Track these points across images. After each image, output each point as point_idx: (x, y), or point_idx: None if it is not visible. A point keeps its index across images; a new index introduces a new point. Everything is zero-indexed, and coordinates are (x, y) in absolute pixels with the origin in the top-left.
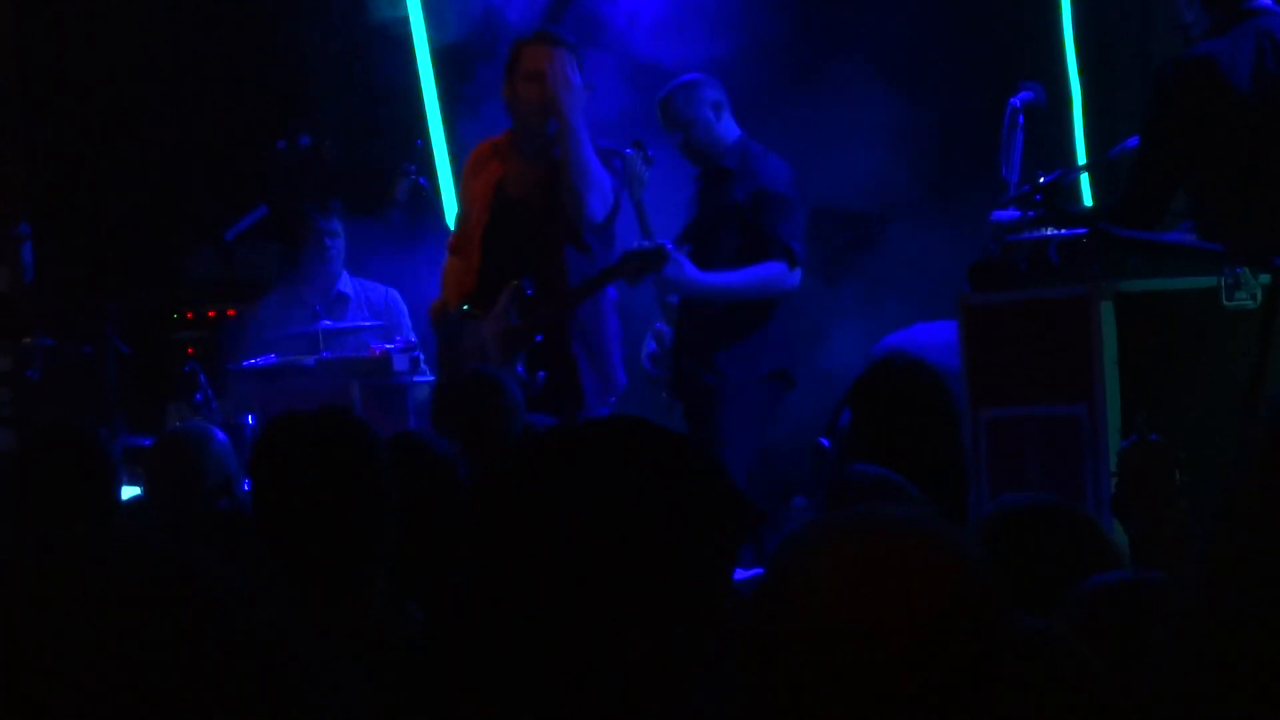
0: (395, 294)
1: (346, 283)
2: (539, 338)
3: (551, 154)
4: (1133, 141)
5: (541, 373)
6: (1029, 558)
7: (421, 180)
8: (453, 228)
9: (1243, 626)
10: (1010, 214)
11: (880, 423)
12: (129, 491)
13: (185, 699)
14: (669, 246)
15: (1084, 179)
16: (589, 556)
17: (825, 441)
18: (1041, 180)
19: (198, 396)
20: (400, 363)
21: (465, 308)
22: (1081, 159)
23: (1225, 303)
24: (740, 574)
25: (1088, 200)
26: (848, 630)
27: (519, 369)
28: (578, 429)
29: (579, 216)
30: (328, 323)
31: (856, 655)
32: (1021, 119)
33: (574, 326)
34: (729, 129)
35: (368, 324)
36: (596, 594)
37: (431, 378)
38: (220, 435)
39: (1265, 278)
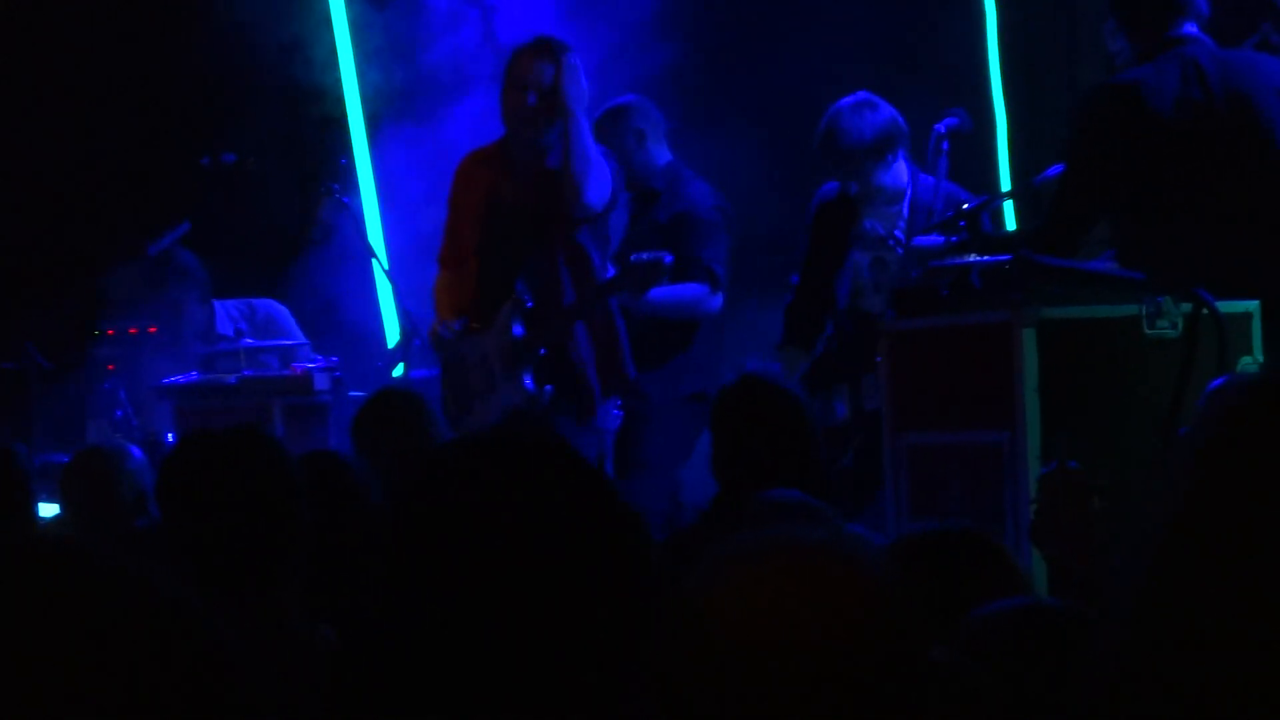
0: (272, 304)
1: (221, 320)
2: (543, 351)
3: (546, 162)
4: (1057, 169)
5: (549, 386)
6: (932, 584)
7: (345, 199)
8: (444, 241)
9: (1180, 663)
10: (933, 239)
11: (737, 442)
12: (49, 509)
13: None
14: (668, 258)
15: (1008, 206)
16: (495, 574)
17: None
18: (965, 206)
19: (118, 413)
20: (321, 381)
21: (462, 323)
22: (1006, 185)
23: (1147, 331)
24: None
25: (1012, 227)
26: (763, 651)
27: (527, 382)
28: (480, 446)
29: (576, 204)
30: (250, 340)
31: (771, 676)
32: (946, 144)
33: (574, 335)
34: (657, 154)
35: (289, 341)
36: (506, 611)
37: (356, 395)
38: (136, 453)
39: (1187, 306)
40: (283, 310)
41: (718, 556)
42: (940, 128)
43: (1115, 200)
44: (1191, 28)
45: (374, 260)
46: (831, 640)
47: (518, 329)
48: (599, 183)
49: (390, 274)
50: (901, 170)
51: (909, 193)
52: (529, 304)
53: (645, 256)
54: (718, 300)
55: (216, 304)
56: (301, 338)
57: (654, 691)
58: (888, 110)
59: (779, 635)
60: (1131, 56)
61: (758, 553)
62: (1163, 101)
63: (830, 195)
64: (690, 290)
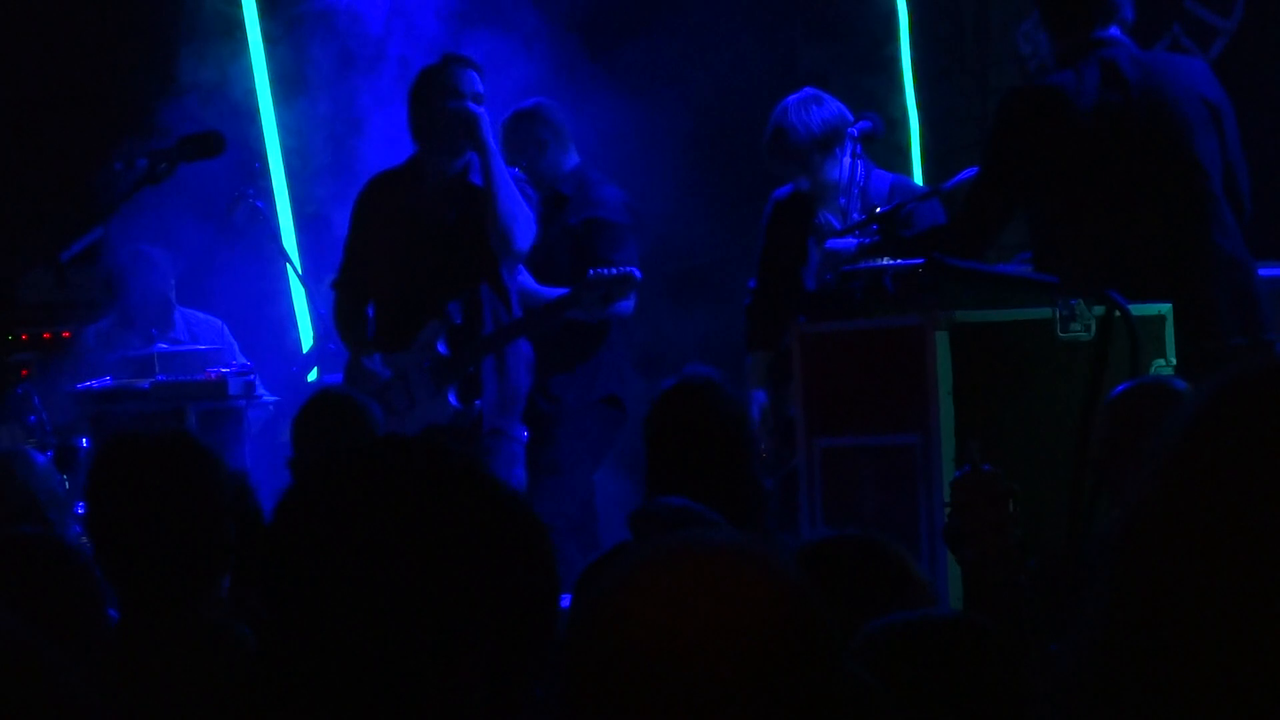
0: (222, 325)
1: (178, 314)
2: (471, 369)
3: (466, 178)
4: (968, 173)
5: (478, 401)
6: (829, 594)
7: (259, 204)
8: (342, 265)
9: (1155, 686)
10: (846, 243)
11: (672, 449)
12: None
13: None
14: (638, 274)
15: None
16: (385, 580)
17: None
18: (878, 210)
19: (31, 419)
20: (235, 386)
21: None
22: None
23: (1060, 334)
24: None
25: None
26: (672, 655)
27: (451, 399)
28: (374, 448)
29: (505, 248)
30: (163, 345)
31: (687, 681)
32: (859, 148)
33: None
34: (564, 158)
35: (203, 347)
36: (393, 619)
37: (270, 399)
38: (38, 458)
39: (1099, 309)
40: (229, 335)
41: (628, 562)
42: (853, 131)
43: (1031, 202)
44: (1114, 31)
45: (288, 265)
46: (748, 643)
47: (443, 347)
48: (525, 224)
49: (303, 278)
50: (848, 164)
51: (856, 187)
52: (457, 320)
53: (608, 272)
54: (630, 303)
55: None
56: (236, 355)
57: (567, 701)
58: (834, 105)
59: (693, 640)
60: (1053, 58)
61: (670, 556)
62: (1082, 106)
63: (784, 195)
64: None
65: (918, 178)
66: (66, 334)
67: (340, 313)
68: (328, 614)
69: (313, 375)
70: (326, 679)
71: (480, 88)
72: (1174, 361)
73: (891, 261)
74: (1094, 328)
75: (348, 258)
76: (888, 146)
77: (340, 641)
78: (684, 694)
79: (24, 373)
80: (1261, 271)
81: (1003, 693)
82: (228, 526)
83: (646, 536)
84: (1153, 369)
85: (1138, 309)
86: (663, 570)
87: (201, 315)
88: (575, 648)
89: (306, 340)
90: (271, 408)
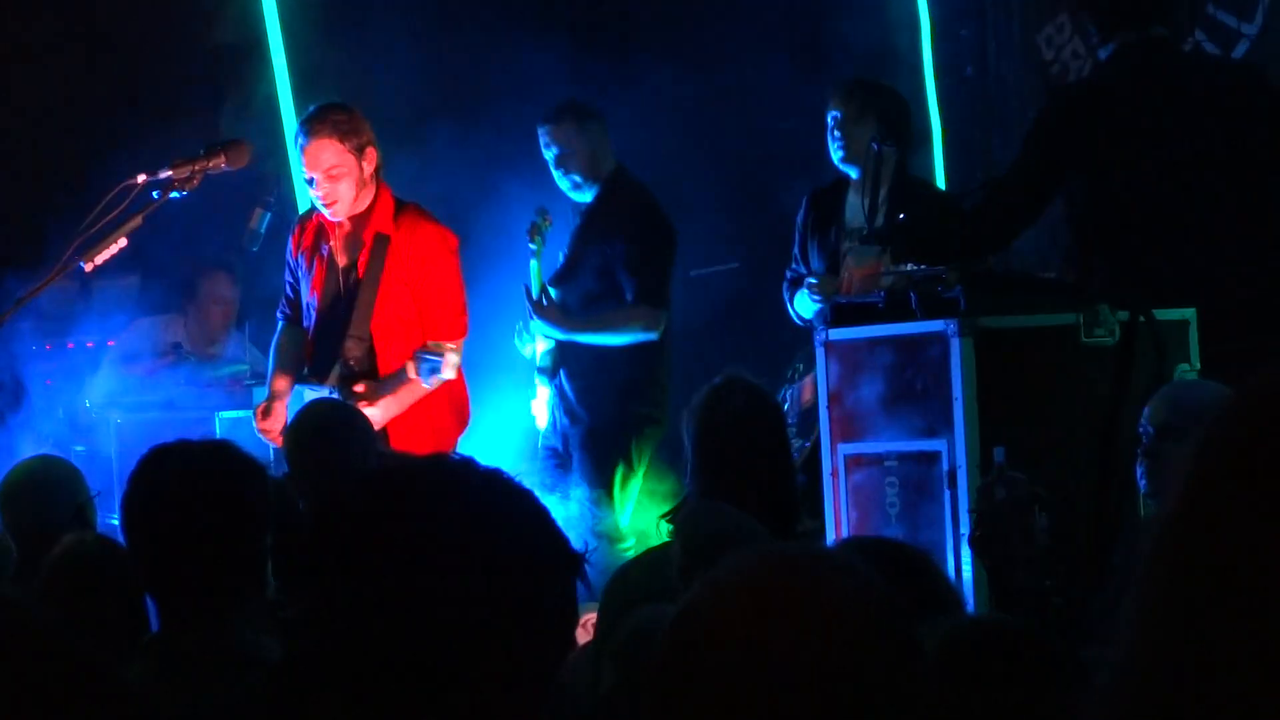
0: (244, 333)
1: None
2: None
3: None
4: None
5: None
6: None
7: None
8: (284, 295)
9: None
10: (870, 250)
11: (716, 450)
12: None
13: None
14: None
15: None
16: (420, 592)
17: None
18: (900, 218)
19: (56, 428)
20: (261, 395)
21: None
22: (941, 187)
23: (1084, 339)
24: None
25: None
26: (763, 665)
27: None
28: (410, 467)
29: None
30: (190, 356)
31: (772, 693)
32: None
33: None
34: (602, 162)
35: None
36: (428, 630)
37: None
38: (71, 465)
39: (1123, 314)
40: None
41: (713, 579)
42: (875, 145)
43: (1070, 200)
44: (1159, 30)
45: None
46: (839, 653)
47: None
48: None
49: None
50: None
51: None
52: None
53: (431, 354)
54: (653, 334)
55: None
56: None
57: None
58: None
59: (785, 651)
60: (1093, 57)
61: (759, 568)
62: (1121, 106)
63: (824, 185)
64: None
65: (940, 182)
66: (90, 343)
67: (282, 347)
68: (361, 619)
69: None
70: (358, 683)
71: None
72: (1198, 366)
73: (916, 267)
74: (1118, 333)
75: (291, 291)
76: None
77: (371, 646)
78: (774, 705)
79: (48, 382)
80: None
81: (1044, 698)
82: (268, 535)
83: (688, 537)
84: (1177, 374)
85: (1162, 313)
86: (753, 582)
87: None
88: (663, 659)
89: None
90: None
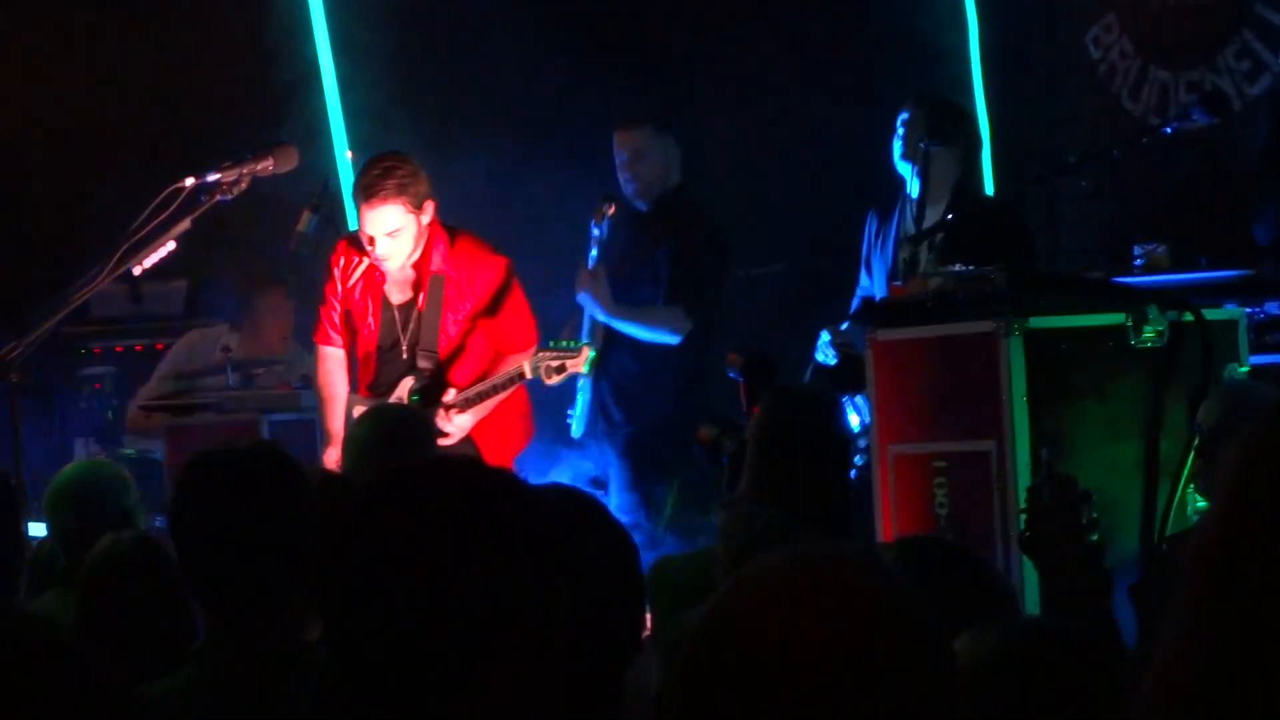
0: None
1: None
2: None
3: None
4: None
5: None
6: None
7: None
8: (321, 321)
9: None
10: (921, 252)
11: (777, 457)
12: (39, 528)
13: None
14: (592, 349)
15: None
16: (424, 594)
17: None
18: (949, 218)
19: (105, 431)
20: (310, 399)
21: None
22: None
23: (1133, 340)
24: None
25: None
26: (789, 663)
27: None
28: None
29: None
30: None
31: (799, 689)
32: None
33: None
34: (667, 175)
35: (277, 360)
36: (434, 632)
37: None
38: (119, 468)
39: (1173, 314)
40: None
41: (742, 577)
42: (924, 147)
43: None
44: None
45: None
46: (863, 652)
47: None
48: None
49: None
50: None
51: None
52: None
53: (564, 346)
54: (677, 337)
55: None
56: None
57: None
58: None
59: (811, 649)
60: None
61: (788, 567)
62: None
63: (886, 199)
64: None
65: (988, 183)
66: (140, 347)
67: (326, 374)
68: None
69: None
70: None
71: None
72: (1247, 365)
73: (965, 267)
74: (1167, 333)
75: (322, 316)
76: None
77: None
78: (801, 702)
79: (98, 386)
80: None
81: (1097, 699)
82: (312, 537)
83: (732, 539)
84: (1226, 374)
85: (1211, 313)
86: (781, 580)
87: None
88: (690, 656)
89: None
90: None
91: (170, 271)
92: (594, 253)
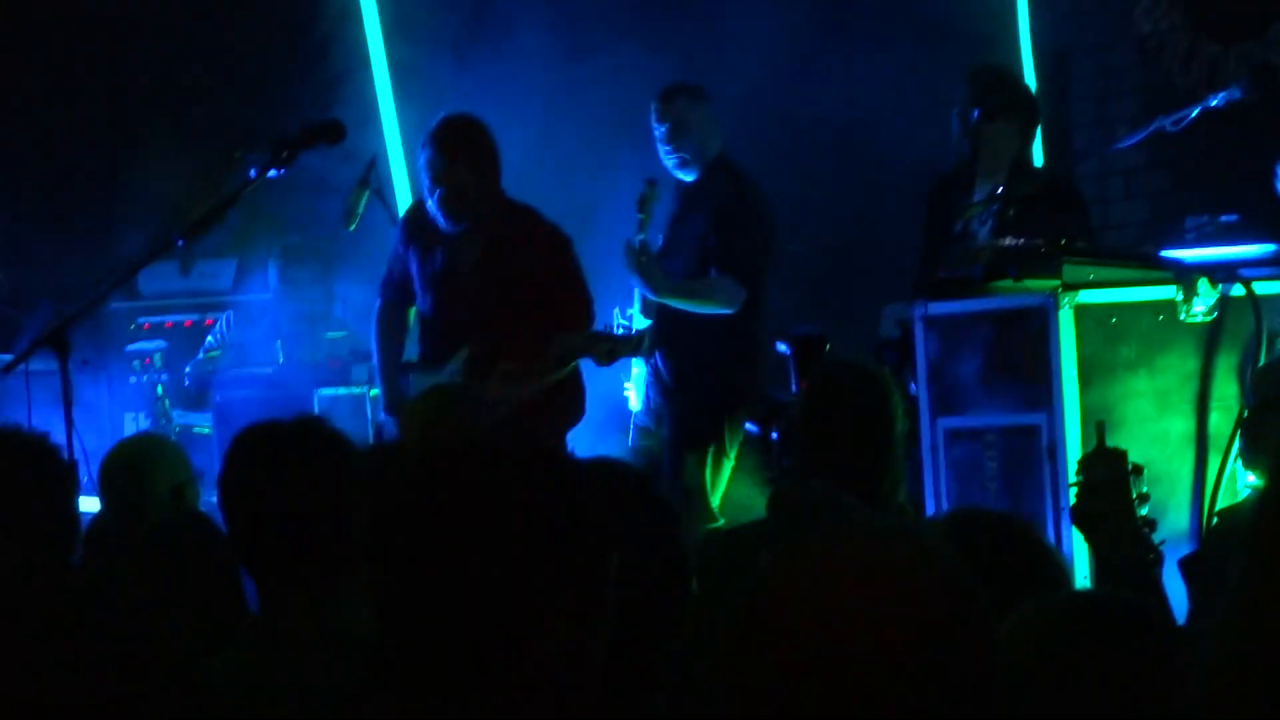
0: None
1: None
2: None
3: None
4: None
5: None
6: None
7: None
8: (387, 272)
9: None
10: (974, 224)
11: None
12: (91, 502)
13: None
14: (649, 337)
15: None
16: (480, 568)
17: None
18: (999, 190)
19: (154, 406)
20: (360, 372)
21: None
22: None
23: (1183, 314)
24: None
25: None
26: (834, 637)
27: None
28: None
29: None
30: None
31: (854, 664)
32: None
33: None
34: (709, 144)
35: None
36: (475, 609)
37: None
38: (172, 442)
39: (1223, 287)
40: None
41: (787, 549)
42: (974, 115)
43: None
44: None
45: None
46: (907, 625)
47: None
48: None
49: None
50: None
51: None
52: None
53: (621, 332)
54: (730, 308)
55: None
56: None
57: (726, 688)
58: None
59: (855, 621)
60: None
61: (833, 543)
62: None
63: (946, 172)
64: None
65: (1038, 158)
66: (189, 323)
67: (380, 321)
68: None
69: None
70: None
71: None
72: None
73: (1015, 241)
74: (1217, 307)
75: (389, 268)
76: None
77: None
78: (845, 675)
79: (147, 361)
80: None
81: (1149, 670)
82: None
83: (782, 514)
84: (1278, 347)
85: (1262, 286)
86: (828, 554)
87: None
88: (735, 627)
89: None
90: None
91: (219, 247)
92: (641, 235)
